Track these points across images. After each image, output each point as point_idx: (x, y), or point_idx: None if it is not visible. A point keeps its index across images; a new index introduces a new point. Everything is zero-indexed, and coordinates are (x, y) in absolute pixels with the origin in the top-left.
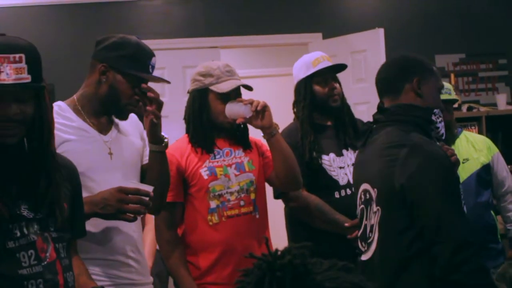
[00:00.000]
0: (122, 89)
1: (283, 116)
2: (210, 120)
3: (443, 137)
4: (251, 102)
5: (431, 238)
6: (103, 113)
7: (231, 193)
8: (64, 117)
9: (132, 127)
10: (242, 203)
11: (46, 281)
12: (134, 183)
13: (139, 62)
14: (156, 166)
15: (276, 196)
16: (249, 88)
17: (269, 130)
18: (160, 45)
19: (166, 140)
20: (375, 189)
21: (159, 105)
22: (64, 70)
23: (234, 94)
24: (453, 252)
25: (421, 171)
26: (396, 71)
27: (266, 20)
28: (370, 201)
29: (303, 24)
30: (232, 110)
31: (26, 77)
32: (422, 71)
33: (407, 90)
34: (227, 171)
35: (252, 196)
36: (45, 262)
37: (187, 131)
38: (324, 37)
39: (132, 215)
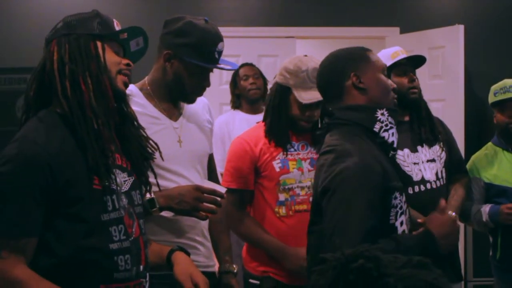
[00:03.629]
0: (186, 77)
1: None
2: (288, 118)
3: (394, 146)
4: None
5: (326, 246)
6: (171, 98)
7: (302, 188)
8: (136, 103)
9: (201, 110)
10: (311, 199)
11: (132, 257)
12: (209, 182)
13: (203, 51)
14: None
15: None
16: None
17: None
18: (235, 32)
19: None
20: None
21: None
22: None
23: (314, 106)
24: None
25: (337, 178)
26: (330, 73)
27: (344, 12)
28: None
29: (381, 17)
30: None
31: None
32: (356, 63)
33: (348, 89)
34: (301, 165)
35: None
36: (132, 238)
37: (264, 120)
38: (402, 32)
39: (204, 214)
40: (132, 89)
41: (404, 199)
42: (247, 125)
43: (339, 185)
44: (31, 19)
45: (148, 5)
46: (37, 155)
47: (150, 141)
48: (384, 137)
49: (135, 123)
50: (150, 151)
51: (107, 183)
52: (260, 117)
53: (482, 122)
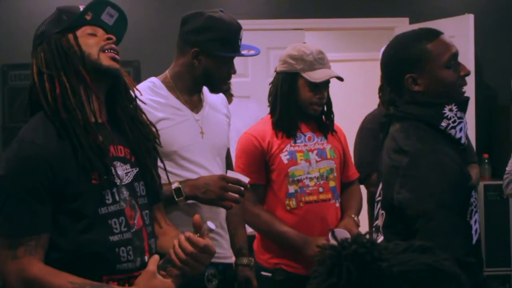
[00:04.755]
0: (216, 70)
1: (367, 101)
2: (297, 105)
3: (462, 141)
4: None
5: None
6: (196, 90)
7: (311, 179)
8: (159, 95)
9: (219, 104)
10: (321, 189)
11: (134, 248)
12: (233, 172)
13: (229, 42)
14: None
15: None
16: (340, 79)
17: None
18: (244, 25)
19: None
20: (382, 192)
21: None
22: (150, 46)
23: (323, 84)
24: None
25: (420, 186)
26: (389, 70)
27: (352, 3)
28: (379, 201)
29: (390, 8)
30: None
31: None
32: (413, 62)
33: (406, 89)
34: (308, 156)
35: (332, 183)
36: (134, 229)
37: (271, 112)
38: (411, 22)
39: (230, 203)
40: (155, 81)
41: (476, 196)
42: None
43: (425, 193)
44: (39, 14)
45: (157, 0)
46: (36, 155)
47: (153, 128)
48: (451, 134)
49: (134, 104)
50: (152, 138)
51: (105, 177)
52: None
53: (493, 111)
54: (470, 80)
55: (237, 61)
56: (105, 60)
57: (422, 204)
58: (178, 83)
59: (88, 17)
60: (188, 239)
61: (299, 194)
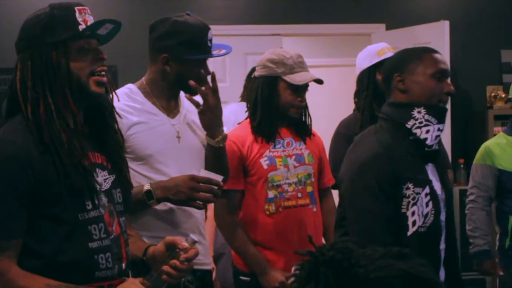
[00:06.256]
0: (187, 72)
1: (342, 107)
2: (277, 108)
3: (427, 142)
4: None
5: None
6: (172, 96)
7: (289, 184)
8: (135, 100)
9: (195, 108)
10: (299, 194)
11: (113, 255)
12: (206, 172)
13: (197, 44)
14: (211, 160)
15: (333, 187)
16: (320, 81)
17: None
18: (222, 31)
19: (221, 136)
20: None
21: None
22: (127, 52)
23: (304, 87)
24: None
25: (346, 172)
26: (384, 73)
27: (329, 9)
28: None
29: (367, 14)
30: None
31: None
32: (403, 64)
33: (394, 89)
34: (286, 162)
35: (309, 189)
36: (112, 236)
37: (251, 117)
38: (388, 28)
39: (201, 203)
40: (131, 87)
41: (426, 191)
42: None
43: (347, 178)
44: (15, 18)
45: (135, 4)
46: (17, 155)
47: (120, 137)
48: (416, 133)
49: (110, 112)
50: (123, 146)
51: (87, 182)
52: None
53: (469, 116)
54: None
55: (215, 66)
56: (93, 86)
57: (344, 192)
58: (154, 89)
59: (86, 32)
60: (186, 260)
61: (278, 199)
